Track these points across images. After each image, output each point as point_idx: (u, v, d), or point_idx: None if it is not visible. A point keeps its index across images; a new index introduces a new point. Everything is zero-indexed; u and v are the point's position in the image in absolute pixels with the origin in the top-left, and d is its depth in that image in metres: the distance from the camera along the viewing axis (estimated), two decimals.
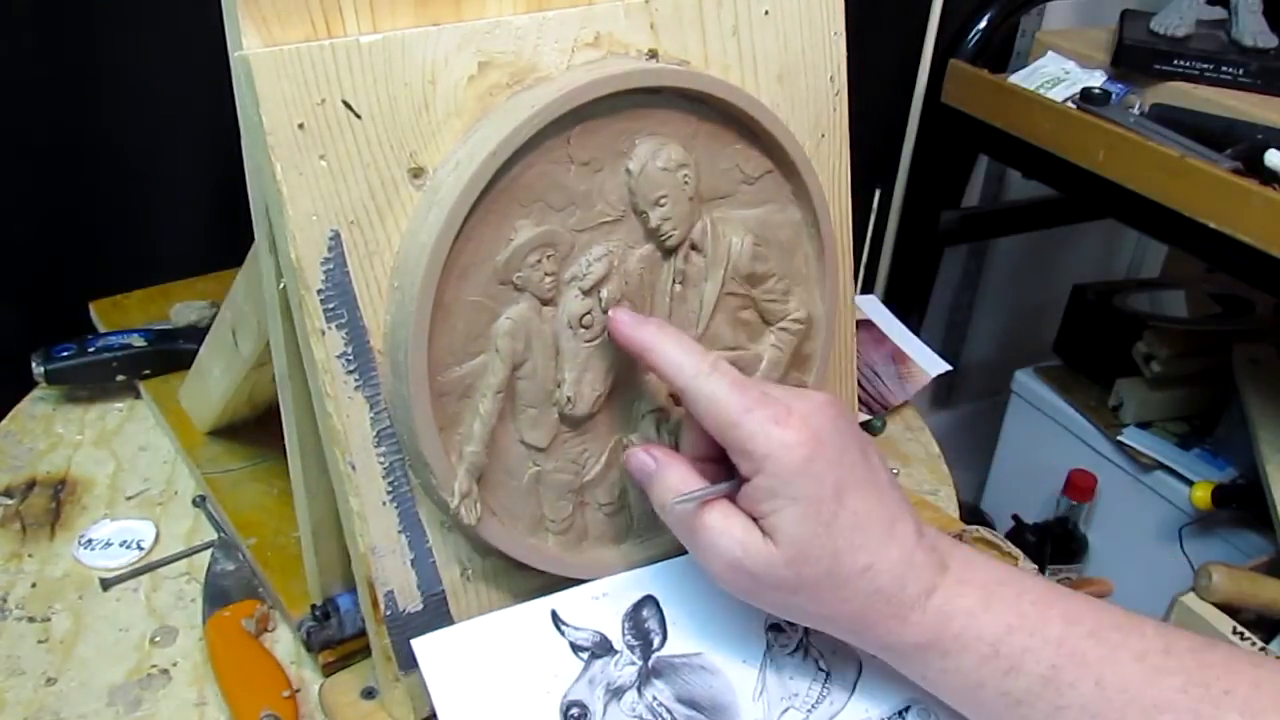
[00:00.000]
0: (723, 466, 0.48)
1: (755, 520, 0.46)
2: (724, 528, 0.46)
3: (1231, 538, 1.25)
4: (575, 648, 0.50)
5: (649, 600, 0.52)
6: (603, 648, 0.50)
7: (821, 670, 0.51)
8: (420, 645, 0.48)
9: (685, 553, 0.50)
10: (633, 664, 0.50)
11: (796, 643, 0.51)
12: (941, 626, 0.45)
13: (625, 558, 0.53)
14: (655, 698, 0.49)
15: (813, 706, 0.50)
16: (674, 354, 0.47)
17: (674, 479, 0.48)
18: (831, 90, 0.57)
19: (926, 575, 0.46)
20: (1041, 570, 0.66)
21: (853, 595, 0.45)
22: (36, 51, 0.83)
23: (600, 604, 0.51)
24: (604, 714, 0.48)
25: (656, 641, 0.51)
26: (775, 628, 0.52)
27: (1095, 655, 0.43)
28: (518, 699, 0.47)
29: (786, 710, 0.50)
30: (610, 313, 0.49)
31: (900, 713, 0.50)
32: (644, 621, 0.51)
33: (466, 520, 0.48)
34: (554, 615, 0.50)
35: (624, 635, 0.50)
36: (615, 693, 0.48)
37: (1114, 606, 0.46)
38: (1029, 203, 1.55)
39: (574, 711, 0.48)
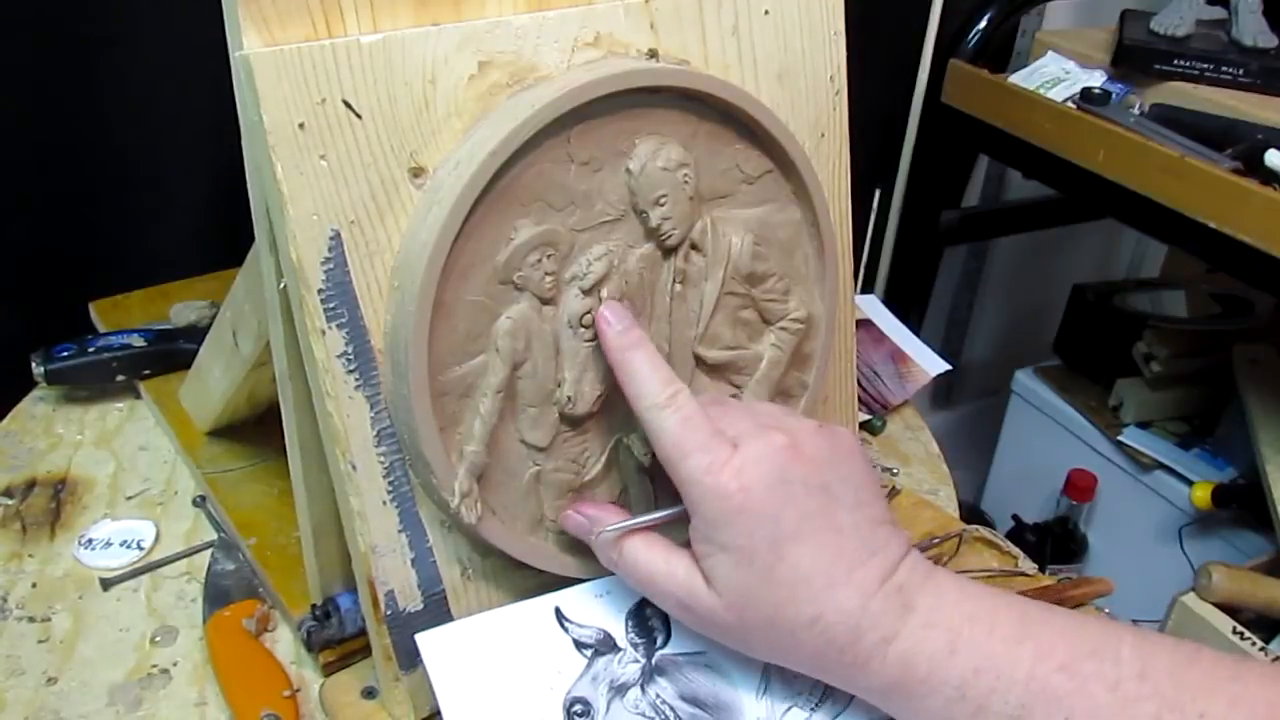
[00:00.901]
0: None
1: (699, 562, 0.46)
2: (668, 571, 0.47)
3: (1231, 538, 1.25)
4: (579, 645, 0.50)
5: None
6: (606, 645, 0.50)
7: None
8: (424, 640, 0.48)
9: None
10: (636, 662, 0.50)
11: None
12: (904, 672, 0.44)
13: None
14: (659, 695, 0.49)
15: (816, 705, 0.50)
16: (640, 377, 0.47)
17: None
18: (831, 90, 0.57)
19: (886, 623, 0.45)
20: (1041, 570, 0.66)
21: (803, 644, 0.45)
22: (36, 51, 0.83)
23: (603, 601, 0.51)
24: (607, 711, 0.48)
25: (660, 639, 0.51)
26: None
27: (1066, 690, 0.43)
28: (521, 694, 0.47)
29: (790, 709, 0.49)
30: (602, 307, 0.49)
31: None
32: (647, 619, 0.51)
33: (467, 520, 0.48)
34: (558, 612, 0.50)
35: (627, 633, 0.50)
36: (619, 690, 0.48)
37: (1093, 627, 0.45)
38: (1029, 203, 1.55)
39: (577, 708, 0.48)
